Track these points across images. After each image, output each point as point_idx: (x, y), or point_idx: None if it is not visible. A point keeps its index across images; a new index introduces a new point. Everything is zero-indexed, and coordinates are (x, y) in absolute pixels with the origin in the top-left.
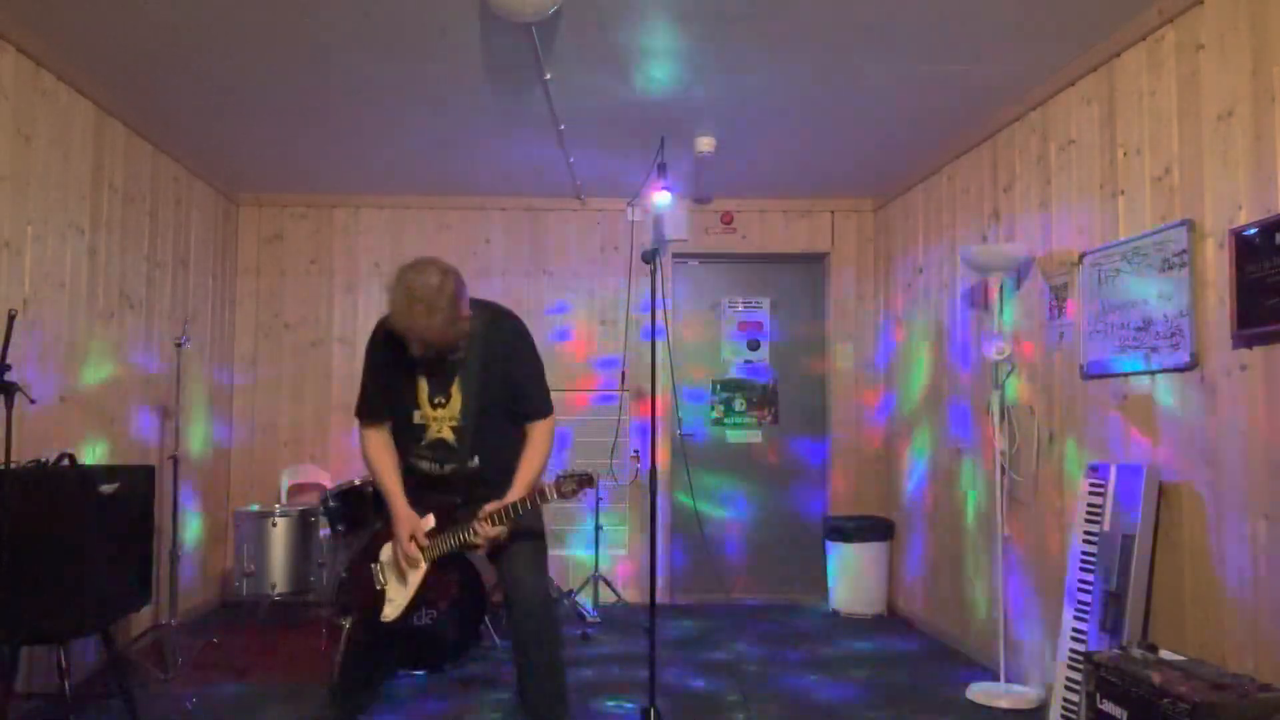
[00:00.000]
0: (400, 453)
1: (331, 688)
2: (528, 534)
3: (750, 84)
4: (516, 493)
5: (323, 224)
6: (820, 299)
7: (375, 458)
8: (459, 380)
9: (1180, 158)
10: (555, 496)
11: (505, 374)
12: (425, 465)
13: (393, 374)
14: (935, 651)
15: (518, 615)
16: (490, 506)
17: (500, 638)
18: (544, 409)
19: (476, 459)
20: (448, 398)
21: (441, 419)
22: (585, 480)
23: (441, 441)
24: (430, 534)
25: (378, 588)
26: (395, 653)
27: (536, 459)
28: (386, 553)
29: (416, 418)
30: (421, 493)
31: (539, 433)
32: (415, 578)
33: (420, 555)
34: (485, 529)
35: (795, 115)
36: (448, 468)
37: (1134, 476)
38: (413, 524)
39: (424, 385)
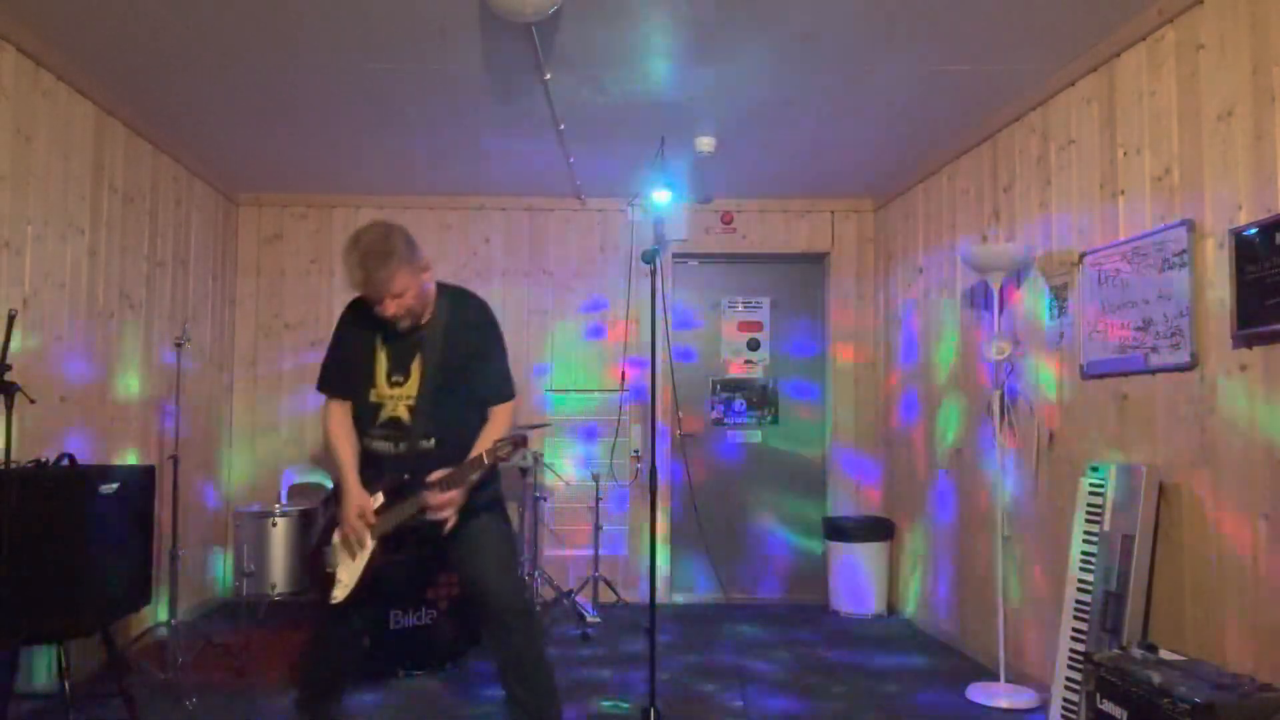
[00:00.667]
0: (357, 433)
1: (296, 699)
2: (490, 527)
3: (750, 84)
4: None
5: (323, 224)
6: (820, 299)
7: (333, 433)
8: (419, 358)
9: (1180, 158)
10: (490, 460)
11: (468, 353)
12: (379, 445)
13: (354, 349)
14: (935, 651)
15: (492, 623)
16: (436, 474)
17: None
18: (506, 392)
19: (432, 440)
20: (406, 375)
21: (398, 397)
22: (519, 441)
23: (396, 420)
24: (378, 511)
25: (328, 570)
26: (356, 656)
27: (492, 434)
28: (338, 535)
29: (372, 396)
30: (372, 470)
31: (500, 415)
32: (363, 557)
33: (366, 533)
34: (435, 497)
35: (795, 115)
36: (402, 446)
37: (1134, 476)
38: (360, 500)
39: (383, 362)
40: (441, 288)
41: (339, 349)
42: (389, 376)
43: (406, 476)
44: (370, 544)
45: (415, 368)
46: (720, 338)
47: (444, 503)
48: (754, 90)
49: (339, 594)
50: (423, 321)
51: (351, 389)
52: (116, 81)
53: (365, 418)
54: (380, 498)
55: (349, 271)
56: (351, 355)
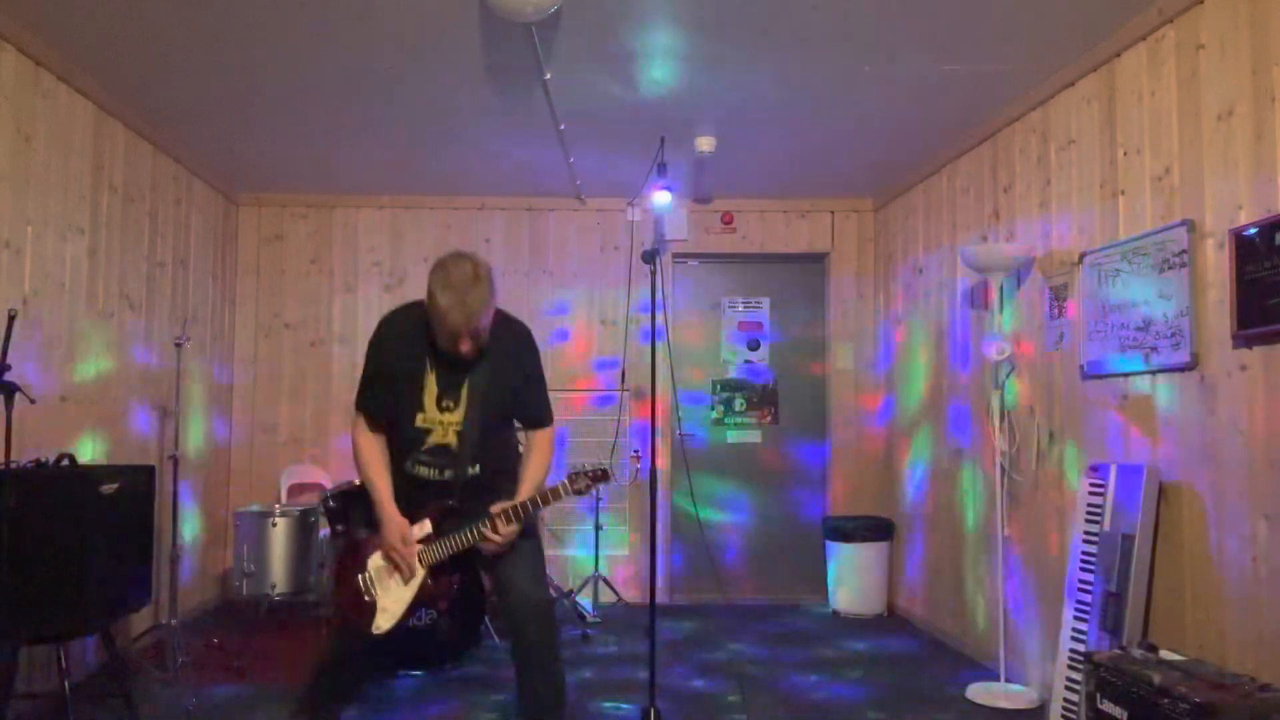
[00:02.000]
0: (396, 458)
1: (301, 697)
2: (523, 536)
3: (750, 84)
4: (525, 493)
5: (323, 224)
6: (820, 299)
7: (368, 458)
8: (468, 383)
9: (1180, 158)
10: (568, 494)
11: (512, 379)
12: (424, 471)
13: (401, 372)
14: (935, 651)
15: (520, 623)
16: (500, 505)
17: (500, 638)
18: (547, 418)
19: (477, 466)
20: (457, 401)
21: (448, 424)
22: (600, 476)
23: (444, 448)
24: (426, 540)
25: (367, 599)
26: (373, 666)
27: (542, 462)
28: (376, 561)
29: (420, 420)
30: (414, 498)
31: (543, 438)
32: (413, 585)
33: (417, 563)
34: (500, 528)
35: (795, 115)
36: (447, 474)
37: (1134, 476)
38: (402, 529)
39: (433, 387)
40: None
41: (383, 370)
42: (439, 401)
43: (453, 503)
44: (421, 572)
45: (464, 393)
46: (720, 338)
47: (508, 536)
48: (754, 90)
49: (383, 623)
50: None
51: (394, 413)
52: (116, 81)
53: (410, 444)
54: (428, 525)
55: (445, 313)
56: (398, 378)
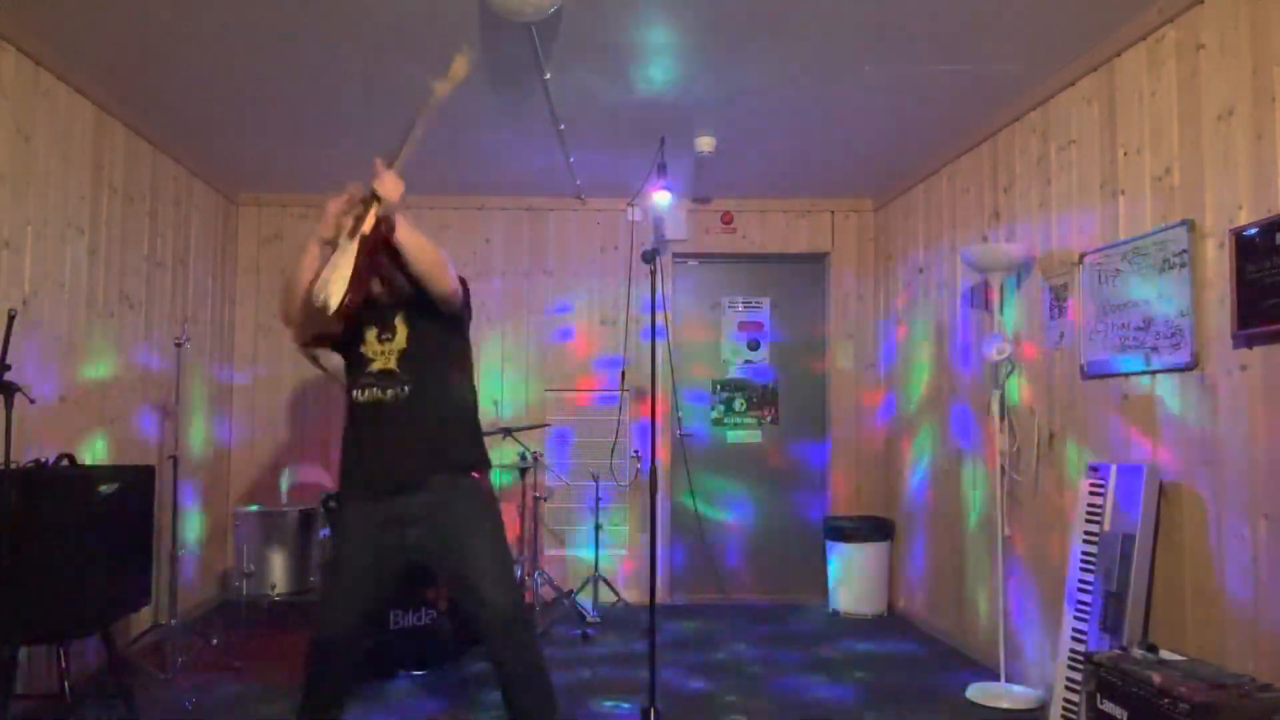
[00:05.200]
0: (349, 396)
1: (300, 704)
2: (483, 535)
3: (750, 84)
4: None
5: None
6: (820, 299)
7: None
8: (401, 313)
9: (1180, 158)
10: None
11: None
12: (369, 395)
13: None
14: (935, 651)
15: (490, 633)
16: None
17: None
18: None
19: (416, 388)
20: (393, 332)
21: (389, 352)
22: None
23: (386, 372)
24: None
25: (317, 305)
26: (357, 663)
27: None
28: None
29: (364, 350)
30: (363, 430)
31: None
32: (347, 257)
33: (343, 229)
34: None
35: (795, 115)
36: (389, 393)
37: (1134, 476)
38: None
39: (372, 332)
40: None
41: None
42: (379, 338)
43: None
44: (352, 246)
45: (399, 323)
46: (720, 338)
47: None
48: (754, 90)
49: (333, 301)
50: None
51: (345, 350)
52: (116, 81)
53: (356, 371)
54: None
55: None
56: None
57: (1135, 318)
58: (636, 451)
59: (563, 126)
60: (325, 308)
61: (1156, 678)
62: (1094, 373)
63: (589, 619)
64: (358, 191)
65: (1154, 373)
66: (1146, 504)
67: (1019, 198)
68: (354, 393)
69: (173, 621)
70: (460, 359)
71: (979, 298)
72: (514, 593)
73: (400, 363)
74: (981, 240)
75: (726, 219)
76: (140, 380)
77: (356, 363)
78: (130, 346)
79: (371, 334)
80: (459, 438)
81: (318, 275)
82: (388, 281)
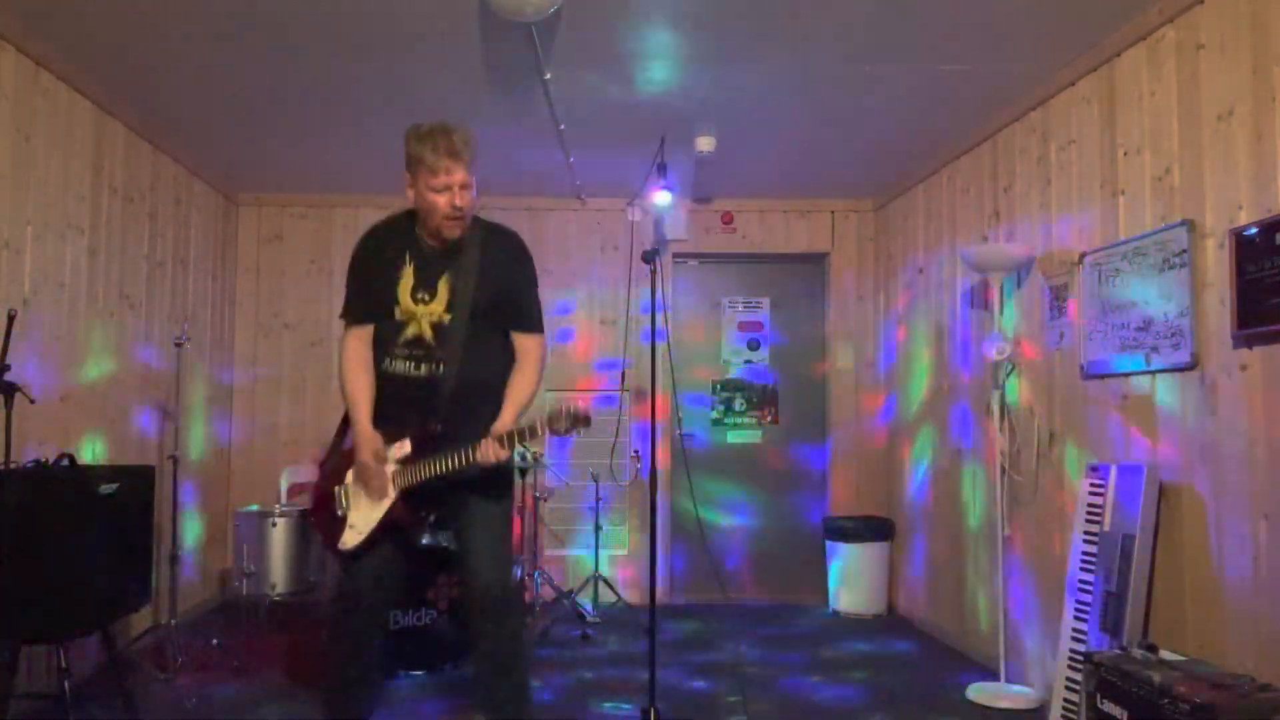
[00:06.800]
0: (377, 359)
1: (324, 699)
2: (494, 500)
3: (750, 84)
4: (510, 413)
5: (323, 224)
6: (820, 299)
7: (348, 365)
8: (447, 278)
9: (1180, 158)
10: (545, 432)
11: (502, 281)
12: (400, 366)
13: (377, 272)
14: (935, 651)
15: (472, 608)
16: (498, 426)
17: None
18: (538, 324)
19: (455, 366)
20: (432, 294)
21: (422, 315)
22: (579, 419)
23: (419, 339)
24: (404, 460)
25: (339, 514)
26: (381, 638)
27: (530, 375)
28: (352, 474)
29: (397, 314)
30: (396, 408)
31: (531, 350)
32: (383, 505)
33: (389, 482)
34: (490, 450)
35: (795, 115)
36: (423, 369)
37: (1134, 476)
38: (375, 444)
39: (408, 280)
40: (477, 220)
41: (360, 275)
42: (414, 293)
43: (437, 427)
44: (393, 494)
45: (443, 287)
46: (720, 338)
47: (500, 458)
48: (754, 90)
49: (349, 539)
50: (457, 243)
51: (375, 313)
52: (116, 81)
53: (388, 339)
54: (407, 445)
55: (428, 138)
56: (375, 277)
57: (1135, 318)
58: (636, 452)
59: (563, 126)
60: (341, 543)
61: (1156, 678)
62: (1094, 373)
63: (589, 619)
64: (440, 466)
65: (1154, 373)
66: (1146, 504)
67: (1019, 198)
68: (385, 362)
69: (173, 621)
70: (501, 329)
71: (979, 298)
72: (506, 575)
73: (437, 334)
74: (981, 240)
75: (726, 219)
76: (140, 380)
77: (388, 325)
78: (130, 346)
79: (406, 284)
80: (493, 414)
81: (341, 474)
82: (439, 237)
